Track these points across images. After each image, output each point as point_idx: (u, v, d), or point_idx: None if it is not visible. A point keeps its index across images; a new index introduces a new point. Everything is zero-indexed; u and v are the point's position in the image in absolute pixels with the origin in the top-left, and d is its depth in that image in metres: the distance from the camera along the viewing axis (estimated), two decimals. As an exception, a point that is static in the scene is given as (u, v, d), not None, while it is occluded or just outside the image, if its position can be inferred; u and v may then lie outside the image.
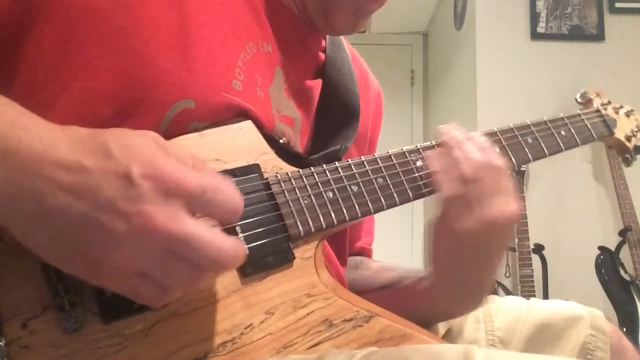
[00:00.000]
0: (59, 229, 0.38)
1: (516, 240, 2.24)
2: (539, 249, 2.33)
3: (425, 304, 0.66)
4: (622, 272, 2.15)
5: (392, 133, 3.65)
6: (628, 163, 0.90)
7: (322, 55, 0.73)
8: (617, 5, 2.60)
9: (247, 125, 0.56)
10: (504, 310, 0.76)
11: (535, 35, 2.58)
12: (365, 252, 0.85)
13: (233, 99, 0.56)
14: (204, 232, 0.39)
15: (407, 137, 3.72)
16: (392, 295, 0.69)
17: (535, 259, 2.28)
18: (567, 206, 2.45)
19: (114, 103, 0.50)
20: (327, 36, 0.74)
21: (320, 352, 0.50)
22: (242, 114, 0.56)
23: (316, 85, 0.70)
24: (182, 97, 0.52)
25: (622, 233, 2.20)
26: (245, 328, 0.49)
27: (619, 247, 2.21)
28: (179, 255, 0.39)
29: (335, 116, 0.70)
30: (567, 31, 2.59)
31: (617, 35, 2.58)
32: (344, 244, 0.75)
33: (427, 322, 0.68)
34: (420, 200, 0.63)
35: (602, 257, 2.19)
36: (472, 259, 0.60)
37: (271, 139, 0.58)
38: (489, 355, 0.39)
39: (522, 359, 0.41)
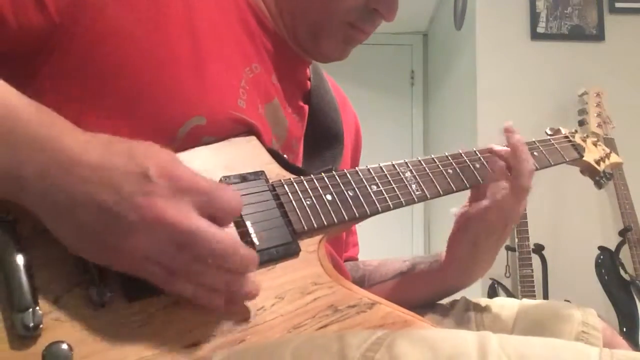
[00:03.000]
0: (84, 218, 0.44)
1: (516, 240, 2.24)
2: (539, 249, 2.33)
3: (439, 282, 0.78)
4: (622, 272, 2.15)
5: (392, 133, 3.68)
6: (600, 185, 0.98)
7: (308, 84, 0.79)
8: (617, 5, 2.60)
9: (252, 139, 0.63)
10: (494, 312, 0.77)
11: (535, 35, 2.58)
12: (354, 260, 0.92)
13: (239, 116, 0.61)
14: (206, 227, 0.45)
15: (407, 137, 3.72)
16: (409, 279, 0.79)
17: (535, 259, 2.28)
18: (567, 206, 2.45)
19: (132, 120, 0.56)
20: (311, 66, 0.80)
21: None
22: (247, 129, 0.62)
23: (304, 110, 0.76)
24: (194, 114, 0.58)
25: (622, 233, 2.19)
26: (258, 310, 0.52)
27: (619, 247, 2.20)
28: (182, 245, 0.45)
29: (321, 140, 0.76)
30: (567, 31, 2.59)
31: (617, 35, 2.58)
32: (340, 256, 0.82)
33: (438, 299, 0.81)
34: (420, 203, 0.70)
35: (602, 257, 2.19)
36: (488, 244, 0.74)
37: (274, 153, 0.63)
38: (502, 339, 0.41)
39: (533, 342, 0.42)
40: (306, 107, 0.76)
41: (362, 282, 0.82)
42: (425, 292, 0.78)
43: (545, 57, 2.56)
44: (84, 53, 0.56)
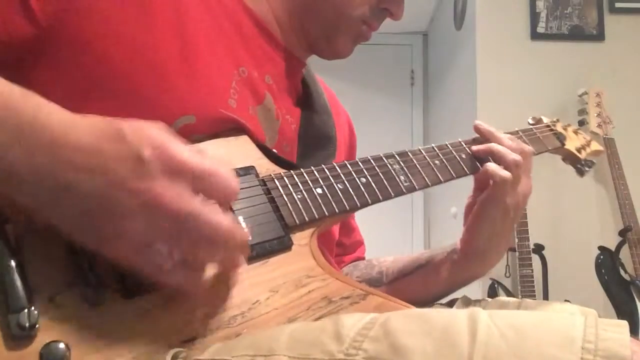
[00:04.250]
0: (75, 205, 0.43)
1: (516, 240, 2.24)
2: (539, 249, 2.33)
3: (459, 272, 0.79)
4: (622, 272, 2.15)
5: (392, 133, 3.68)
6: (582, 173, 1.00)
7: (301, 86, 0.81)
8: (617, 5, 2.60)
9: (242, 137, 0.64)
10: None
11: (535, 35, 2.58)
12: (361, 260, 0.94)
13: (229, 115, 0.62)
14: (203, 209, 0.44)
15: (407, 137, 3.72)
16: (429, 272, 0.80)
17: (535, 259, 2.28)
18: (567, 206, 2.45)
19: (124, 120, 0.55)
20: (304, 69, 0.82)
21: None
22: (237, 128, 0.63)
23: (297, 113, 0.77)
24: (184, 113, 0.59)
25: (622, 233, 2.20)
26: (253, 304, 0.53)
27: (619, 247, 2.20)
28: (180, 228, 0.44)
29: (314, 141, 0.78)
30: (567, 31, 2.59)
31: (617, 35, 2.58)
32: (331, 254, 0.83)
33: (457, 288, 0.82)
34: (420, 198, 0.68)
35: (602, 257, 2.19)
36: (505, 227, 0.76)
37: (264, 149, 0.64)
38: (491, 312, 0.43)
39: (520, 314, 0.45)
40: (298, 110, 0.78)
41: (380, 278, 0.83)
42: (445, 283, 0.80)
43: (545, 57, 2.56)
44: (72, 56, 0.56)
